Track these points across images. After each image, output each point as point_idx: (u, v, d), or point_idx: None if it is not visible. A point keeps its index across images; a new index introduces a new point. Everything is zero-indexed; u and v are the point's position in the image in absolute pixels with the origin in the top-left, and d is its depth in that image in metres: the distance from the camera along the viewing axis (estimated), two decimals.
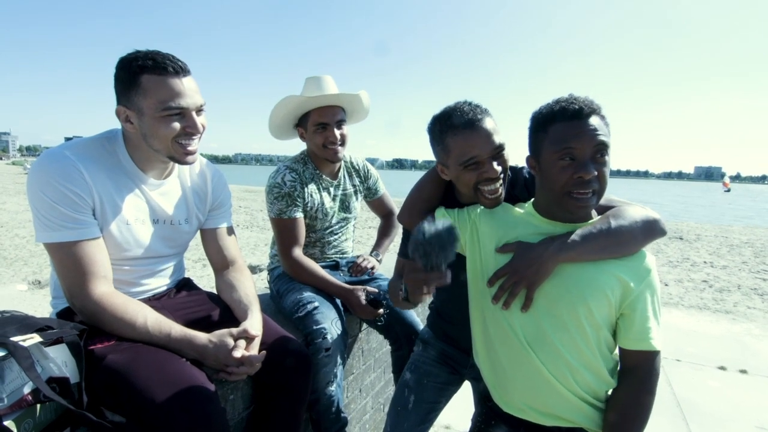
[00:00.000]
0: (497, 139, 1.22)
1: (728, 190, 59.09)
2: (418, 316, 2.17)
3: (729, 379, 3.30)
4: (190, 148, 1.28)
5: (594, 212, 1.16)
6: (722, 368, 3.45)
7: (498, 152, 1.22)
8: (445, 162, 1.28)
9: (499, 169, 1.22)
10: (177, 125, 1.23)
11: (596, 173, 1.04)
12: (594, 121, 1.05)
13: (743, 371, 3.41)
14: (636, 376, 1.09)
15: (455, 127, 1.21)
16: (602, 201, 1.18)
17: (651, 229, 1.11)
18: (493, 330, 1.22)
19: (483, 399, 1.37)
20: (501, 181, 1.24)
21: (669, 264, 7.60)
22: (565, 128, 1.06)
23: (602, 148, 1.04)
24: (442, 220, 1.07)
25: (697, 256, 8.46)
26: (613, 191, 1.20)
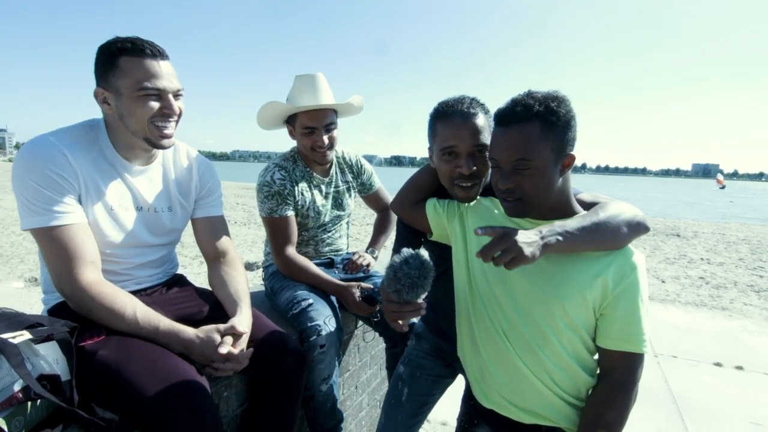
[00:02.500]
0: (482, 138, 1.23)
1: (723, 187, 58.69)
2: None
3: (725, 375, 3.31)
4: (166, 132, 1.29)
5: (579, 208, 1.14)
6: (718, 364, 3.46)
7: (478, 150, 1.23)
8: (432, 146, 1.32)
9: (473, 168, 1.23)
10: (154, 104, 1.24)
11: (513, 185, 1.05)
12: (519, 130, 1.02)
13: (739, 367, 3.42)
14: (613, 377, 1.06)
15: (447, 114, 1.25)
16: (588, 198, 1.19)
17: (636, 224, 1.10)
18: (476, 322, 1.22)
19: (466, 398, 1.39)
20: (476, 180, 1.26)
21: (666, 261, 7.62)
22: (494, 136, 1.09)
23: (521, 162, 1.03)
24: (415, 253, 1.08)
25: (694, 252, 8.49)
26: (593, 188, 1.18)
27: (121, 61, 1.20)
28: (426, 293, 1.09)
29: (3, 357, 0.92)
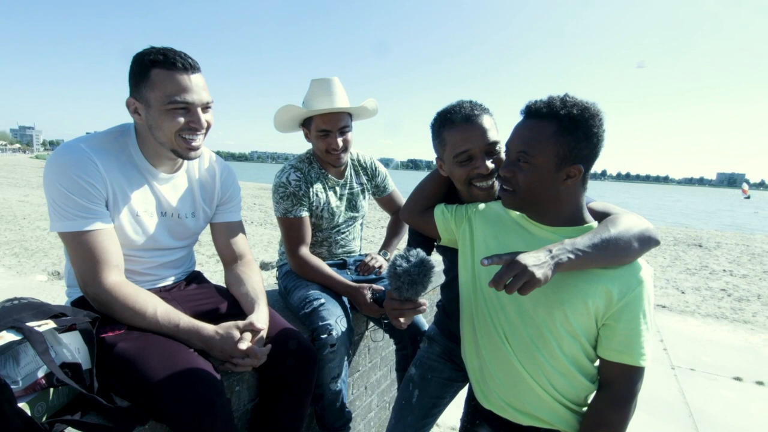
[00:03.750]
0: (492, 136, 1.27)
1: (748, 197, 56.58)
2: (425, 317, 2.17)
3: (745, 390, 3.22)
4: (194, 144, 1.31)
5: (590, 218, 1.14)
6: (738, 379, 3.37)
7: (491, 148, 1.27)
8: (442, 156, 1.34)
9: (491, 166, 1.26)
10: (181, 119, 1.26)
11: (510, 175, 1.11)
12: (533, 125, 1.06)
13: (760, 383, 3.32)
14: (612, 389, 1.06)
15: (452, 121, 1.28)
16: (600, 207, 1.18)
17: (647, 239, 1.08)
18: (478, 324, 1.24)
19: (468, 399, 1.41)
20: (493, 178, 1.29)
21: (686, 271, 7.44)
22: (515, 126, 1.13)
23: (522, 155, 1.07)
24: (415, 252, 1.12)
25: (716, 264, 8.27)
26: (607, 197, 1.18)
27: (152, 73, 1.22)
28: (426, 291, 1.13)
29: (29, 344, 0.97)
